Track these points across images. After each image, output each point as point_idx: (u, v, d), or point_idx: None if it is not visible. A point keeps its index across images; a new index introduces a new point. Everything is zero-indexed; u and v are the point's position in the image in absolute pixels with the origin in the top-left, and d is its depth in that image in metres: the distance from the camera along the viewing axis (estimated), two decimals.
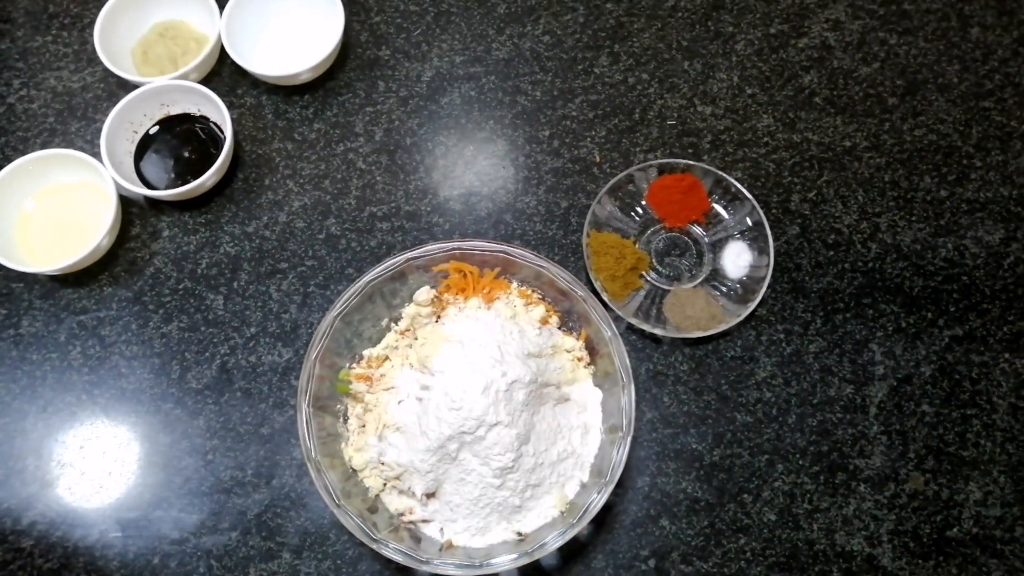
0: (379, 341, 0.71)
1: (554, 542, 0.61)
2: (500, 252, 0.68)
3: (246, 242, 0.79)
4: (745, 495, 0.71)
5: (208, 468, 0.72)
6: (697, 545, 0.70)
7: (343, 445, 0.67)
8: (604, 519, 0.70)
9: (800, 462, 0.72)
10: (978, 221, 0.80)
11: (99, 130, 0.76)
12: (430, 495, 0.64)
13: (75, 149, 0.75)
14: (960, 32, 0.88)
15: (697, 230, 0.79)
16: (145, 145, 0.80)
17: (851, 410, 0.74)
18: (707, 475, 0.72)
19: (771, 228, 0.77)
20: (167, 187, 0.77)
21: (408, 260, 0.68)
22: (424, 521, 0.65)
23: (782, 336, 0.76)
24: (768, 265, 0.75)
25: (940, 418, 0.74)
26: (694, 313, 0.75)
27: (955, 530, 0.70)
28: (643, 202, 0.80)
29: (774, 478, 0.72)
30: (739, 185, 0.78)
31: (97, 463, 0.72)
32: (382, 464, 0.64)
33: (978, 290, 0.78)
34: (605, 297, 0.73)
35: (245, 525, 0.70)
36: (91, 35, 0.79)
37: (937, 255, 0.79)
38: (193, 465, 0.72)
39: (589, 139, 0.83)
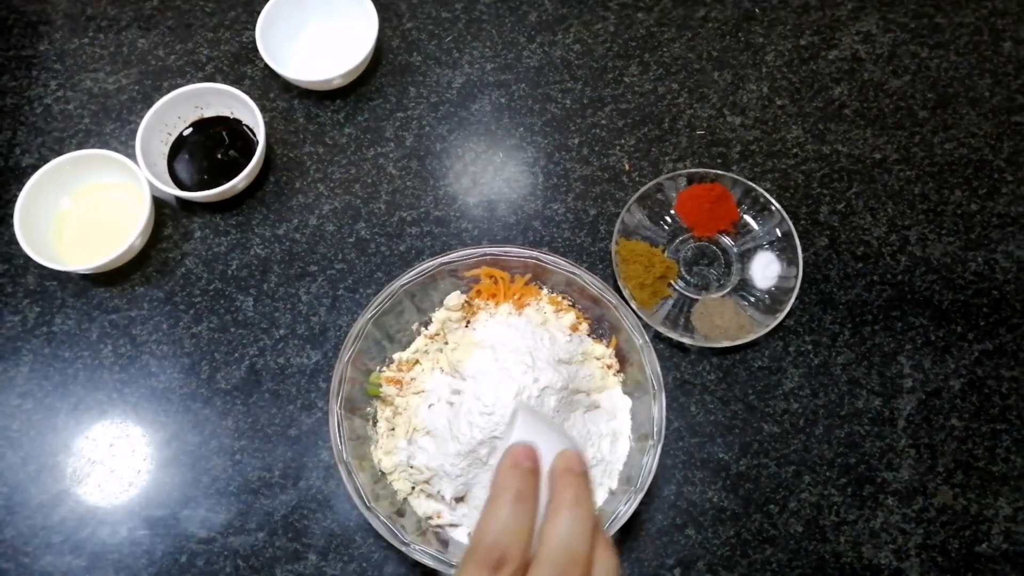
0: (409, 345, 0.71)
1: None
2: (531, 258, 0.69)
3: (276, 244, 0.79)
4: (772, 506, 0.71)
5: (236, 468, 0.72)
6: (723, 555, 0.69)
7: (372, 448, 0.67)
8: (630, 527, 0.70)
9: (827, 474, 0.72)
10: (1009, 235, 0.80)
11: (134, 131, 0.77)
12: (459, 499, 0.64)
13: (110, 150, 0.76)
14: (992, 46, 0.88)
15: (726, 240, 0.79)
16: (179, 147, 0.81)
17: (879, 423, 0.73)
18: (734, 485, 0.71)
19: (800, 239, 0.77)
20: (200, 189, 0.78)
21: (440, 265, 0.68)
22: (452, 525, 0.65)
23: (810, 347, 0.76)
24: (796, 276, 0.75)
25: (969, 432, 0.73)
26: (722, 323, 0.75)
27: (984, 546, 0.70)
28: (672, 211, 0.80)
29: (801, 489, 0.71)
30: (768, 196, 0.78)
31: (126, 461, 0.72)
32: (411, 467, 0.64)
33: (1008, 304, 0.78)
34: (634, 305, 0.73)
35: (272, 526, 0.70)
36: (127, 37, 0.80)
37: (967, 269, 0.79)
38: (221, 465, 0.72)
39: (618, 147, 0.83)
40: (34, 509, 0.71)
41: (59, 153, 0.77)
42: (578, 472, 0.43)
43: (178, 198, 0.80)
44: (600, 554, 0.42)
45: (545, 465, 0.44)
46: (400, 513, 0.65)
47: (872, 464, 0.72)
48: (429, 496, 0.65)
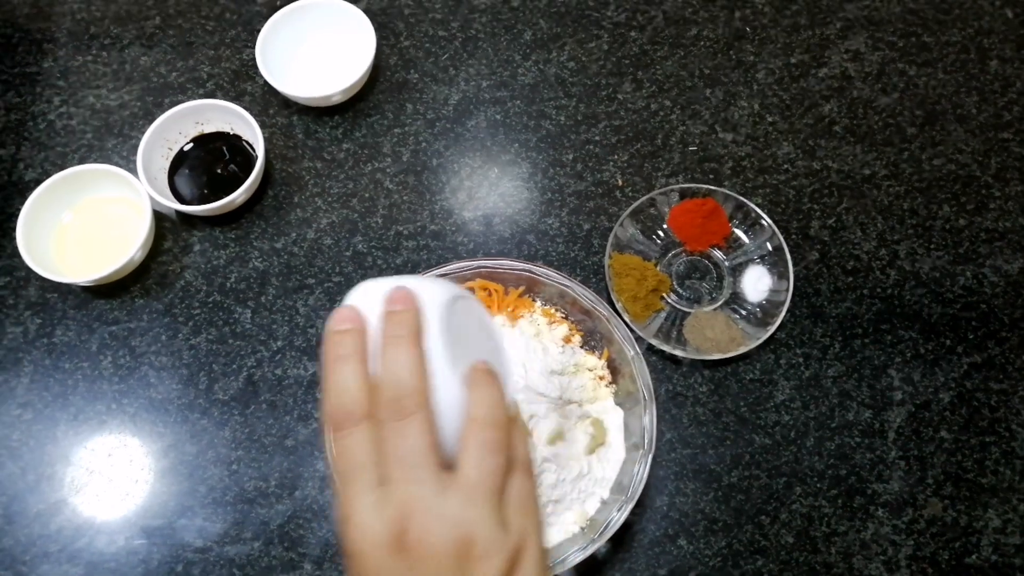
0: None
1: (574, 557, 0.61)
2: (525, 271, 0.70)
3: (274, 258, 0.80)
4: (763, 517, 0.72)
5: (232, 478, 0.73)
6: (715, 565, 0.70)
7: None
8: (622, 538, 0.71)
9: (818, 485, 0.73)
10: (997, 250, 0.81)
11: (135, 147, 0.79)
12: None
13: (112, 165, 0.78)
14: (979, 64, 0.89)
15: (718, 254, 0.80)
16: (179, 162, 0.82)
17: (869, 435, 0.74)
18: (725, 496, 0.72)
19: (791, 253, 0.78)
20: (199, 203, 0.79)
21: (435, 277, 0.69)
22: None
23: (801, 360, 0.77)
24: (788, 290, 0.76)
25: (959, 444, 0.74)
26: (714, 335, 0.76)
27: (974, 557, 0.70)
28: (665, 226, 0.81)
29: (792, 501, 0.72)
30: (759, 211, 0.79)
31: (124, 471, 0.73)
32: None
33: (997, 318, 0.79)
34: (626, 318, 0.74)
35: (268, 535, 0.71)
36: (129, 55, 0.82)
37: (956, 283, 0.80)
38: (218, 475, 0.73)
39: (612, 163, 0.84)
40: (32, 518, 0.72)
41: (62, 168, 0.78)
42: (396, 310, 0.43)
43: (178, 212, 0.81)
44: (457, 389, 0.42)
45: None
46: None
47: (862, 476, 0.73)
48: None
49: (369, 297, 0.44)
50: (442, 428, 0.42)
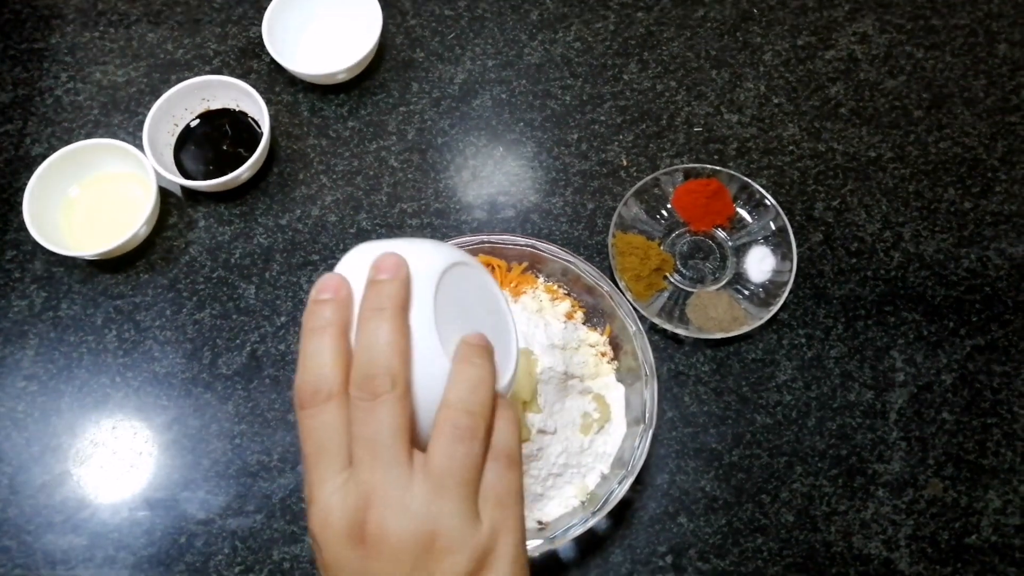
0: None
1: (574, 531, 0.62)
2: (528, 247, 0.70)
3: (279, 234, 0.81)
4: (763, 495, 0.72)
5: (235, 452, 0.73)
6: (715, 543, 0.70)
7: None
8: (623, 514, 0.71)
9: (819, 465, 0.73)
10: (1001, 233, 0.81)
11: (141, 122, 0.79)
12: None
13: (118, 140, 0.78)
14: (987, 48, 0.89)
15: (721, 234, 0.80)
16: (185, 138, 0.82)
17: (871, 415, 0.74)
18: (726, 475, 0.72)
19: (795, 234, 0.78)
20: (205, 178, 0.79)
21: None
22: None
23: (803, 340, 0.77)
24: (791, 270, 0.76)
25: (960, 426, 0.74)
26: (716, 315, 0.76)
27: (974, 537, 0.71)
28: (668, 205, 0.81)
29: (792, 480, 0.72)
30: (764, 191, 0.79)
31: (128, 443, 0.74)
32: None
33: (1000, 301, 0.78)
34: (629, 297, 0.74)
35: (270, 508, 0.71)
36: (136, 31, 0.82)
37: (960, 265, 0.80)
38: (221, 448, 0.73)
39: (617, 143, 0.84)
40: (37, 489, 0.72)
41: (68, 143, 0.78)
42: (382, 279, 0.39)
43: (183, 187, 0.81)
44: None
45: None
46: None
47: (863, 456, 0.73)
48: None
49: (358, 263, 0.41)
50: (426, 409, 0.39)
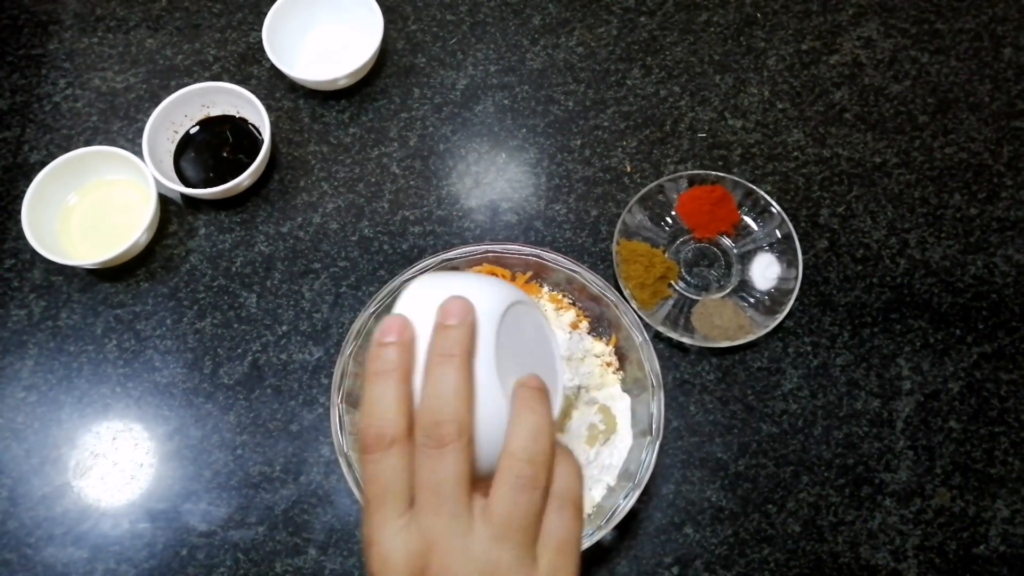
0: None
1: (582, 544, 0.61)
2: (532, 256, 0.69)
3: (280, 242, 0.80)
4: (769, 505, 0.71)
5: (237, 463, 0.73)
6: (721, 554, 0.70)
7: None
8: (629, 525, 0.70)
9: (825, 474, 0.72)
10: (1008, 239, 0.80)
11: (141, 129, 0.78)
12: None
13: (117, 147, 0.77)
14: (992, 52, 0.88)
15: (726, 241, 0.80)
16: (185, 145, 0.82)
17: (877, 424, 0.74)
18: (732, 484, 0.72)
19: (800, 241, 0.77)
20: (205, 186, 0.79)
21: (442, 262, 0.69)
22: None
23: (809, 348, 0.76)
24: (796, 278, 0.76)
25: (967, 435, 0.74)
26: (722, 323, 0.75)
27: (982, 547, 0.70)
28: (673, 212, 0.80)
29: (799, 489, 0.72)
30: (769, 198, 0.78)
31: (129, 454, 0.73)
32: None
33: (1007, 308, 0.78)
34: (634, 305, 0.74)
35: (272, 520, 0.71)
36: (135, 37, 0.81)
37: (966, 272, 0.79)
38: (223, 459, 0.73)
39: (620, 149, 0.84)
40: (37, 501, 0.71)
41: (67, 150, 0.78)
42: (450, 324, 0.40)
43: (183, 195, 0.81)
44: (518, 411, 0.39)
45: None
46: None
47: (870, 465, 0.72)
48: None
49: (421, 303, 0.42)
50: (483, 445, 0.40)
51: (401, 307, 0.42)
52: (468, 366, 0.39)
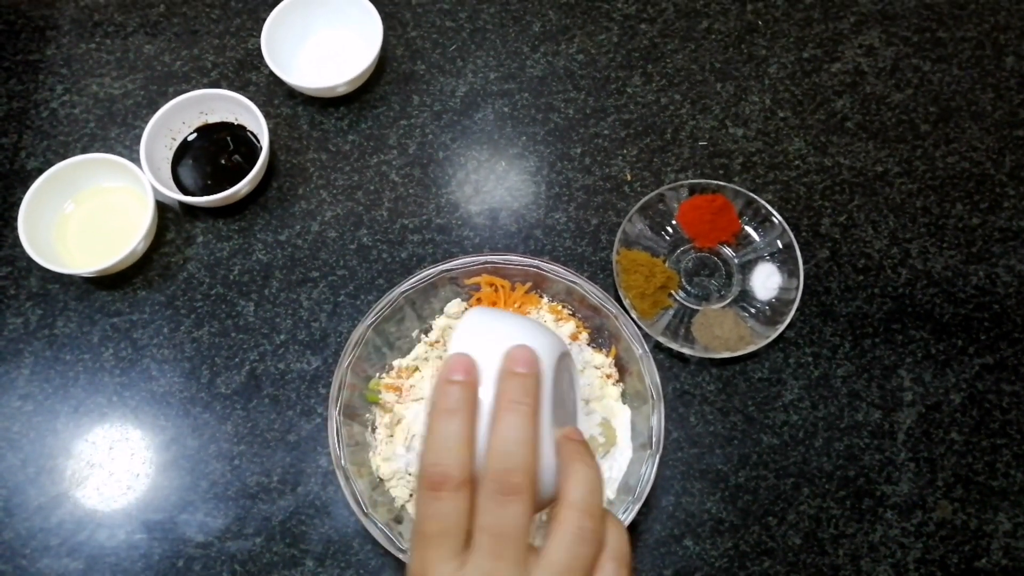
0: (409, 352, 0.71)
1: None
2: (532, 267, 0.69)
3: (278, 250, 0.80)
4: (770, 518, 0.71)
5: (234, 473, 0.72)
6: (721, 566, 0.69)
7: (371, 454, 0.67)
8: (628, 537, 0.70)
9: (826, 486, 0.72)
10: (1010, 249, 0.80)
11: (138, 136, 0.78)
12: None
13: (115, 154, 0.77)
14: (994, 60, 0.88)
15: (727, 251, 0.79)
16: (183, 152, 0.81)
17: (879, 436, 0.73)
18: (732, 496, 0.71)
19: (801, 251, 0.77)
20: (203, 194, 0.78)
21: (442, 272, 0.68)
22: None
23: (810, 359, 0.76)
24: (797, 288, 0.75)
25: (969, 447, 0.73)
26: (722, 333, 0.75)
27: (984, 561, 0.70)
28: (673, 221, 0.80)
29: (800, 502, 0.71)
30: (770, 207, 0.78)
31: (125, 464, 0.73)
32: (409, 474, 0.65)
33: (1009, 319, 0.78)
34: (634, 315, 0.73)
35: (269, 531, 0.70)
36: (133, 43, 0.81)
37: (968, 283, 0.79)
38: (220, 470, 0.72)
39: (620, 158, 0.83)
40: (32, 511, 0.71)
41: (64, 157, 0.77)
42: (521, 373, 0.41)
43: (181, 203, 0.80)
44: (569, 465, 0.40)
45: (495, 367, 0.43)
46: (398, 520, 0.65)
47: (871, 477, 0.72)
48: None
49: (480, 343, 0.43)
50: None
51: (461, 344, 0.43)
52: (537, 416, 0.41)
